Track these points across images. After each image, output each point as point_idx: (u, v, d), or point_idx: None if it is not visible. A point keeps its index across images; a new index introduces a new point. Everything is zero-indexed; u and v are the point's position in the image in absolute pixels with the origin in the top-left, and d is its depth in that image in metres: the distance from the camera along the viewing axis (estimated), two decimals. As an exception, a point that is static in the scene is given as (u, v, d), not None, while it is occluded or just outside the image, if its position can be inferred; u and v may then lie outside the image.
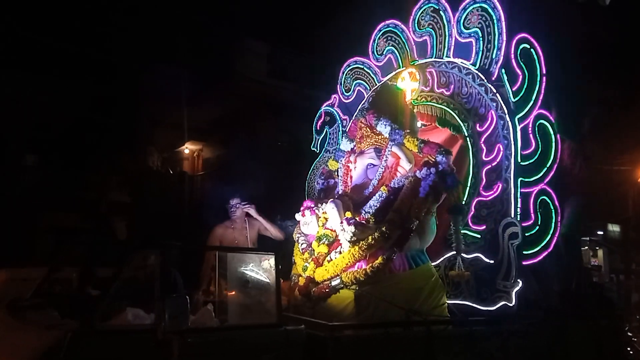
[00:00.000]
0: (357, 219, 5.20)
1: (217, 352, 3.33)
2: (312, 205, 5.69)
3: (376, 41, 6.80)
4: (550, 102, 5.33)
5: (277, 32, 11.06)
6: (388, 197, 5.21)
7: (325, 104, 7.44)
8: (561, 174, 5.37)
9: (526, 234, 4.94)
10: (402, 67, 6.39)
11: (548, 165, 5.00)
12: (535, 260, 4.96)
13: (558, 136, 5.04)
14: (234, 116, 10.49)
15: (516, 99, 5.15)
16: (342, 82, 7.24)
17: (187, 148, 12.42)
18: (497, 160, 5.15)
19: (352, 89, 7.09)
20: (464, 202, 5.36)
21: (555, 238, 4.95)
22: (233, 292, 3.85)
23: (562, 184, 5.34)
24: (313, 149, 7.42)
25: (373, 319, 4.64)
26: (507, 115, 5.11)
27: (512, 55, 5.15)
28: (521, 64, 5.16)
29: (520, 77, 5.16)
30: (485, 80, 5.35)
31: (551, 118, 5.09)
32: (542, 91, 5.11)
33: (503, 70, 5.23)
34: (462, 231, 5.29)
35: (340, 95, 7.27)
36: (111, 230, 9.51)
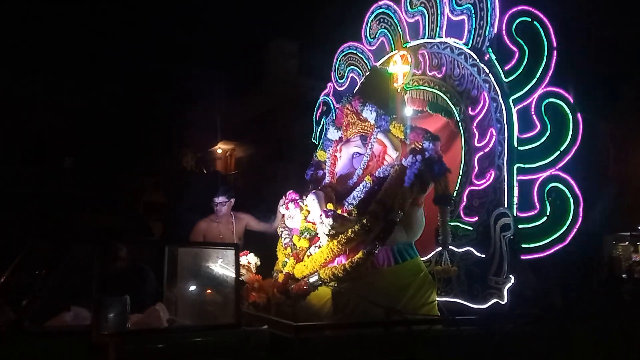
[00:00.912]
0: (340, 211, 4.88)
1: (162, 356, 3.06)
2: (297, 198, 5.39)
3: (369, 24, 6.43)
4: (566, 79, 4.89)
5: (307, 32, 10.97)
6: (372, 188, 4.86)
7: (322, 93, 7.12)
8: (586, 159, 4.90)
9: (530, 225, 4.52)
10: (395, 50, 6.00)
11: (562, 149, 4.50)
12: (542, 255, 4.52)
13: (579, 115, 4.55)
14: (265, 116, 10.45)
15: (510, 78, 4.71)
16: (336, 70, 6.90)
17: (220, 148, 12.61)
18: (490, 146, 4.73)
19: (345, 76, 6.75)
20: (455, 192, 4.96)
21: (575, 230, 4.48)
22: (185, 290, 3.57)
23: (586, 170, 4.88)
24: (313, 140, 7.11)
25: (352, 319, 4.31)
26: (499, 97, 4.68)
27: (505, 32, 4.72)
28: (518, 39, 4.72)
29: (517, 54, 4.72)
30: (478, 60, 4.93)
31: (567, 95, 4.61)
32: (551, 66, 4.63)
33: (490, 49, 4.80)
34: (453, 223, 4.91)
35: (335, 83, 6.93)
36: (149, 230, 9.51)
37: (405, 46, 5.86)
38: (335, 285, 4.45)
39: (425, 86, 5.47)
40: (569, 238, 4.44)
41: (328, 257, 4.54)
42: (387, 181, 4.77)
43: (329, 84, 7.00)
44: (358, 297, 4.29)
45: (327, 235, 4.55)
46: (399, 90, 5.71)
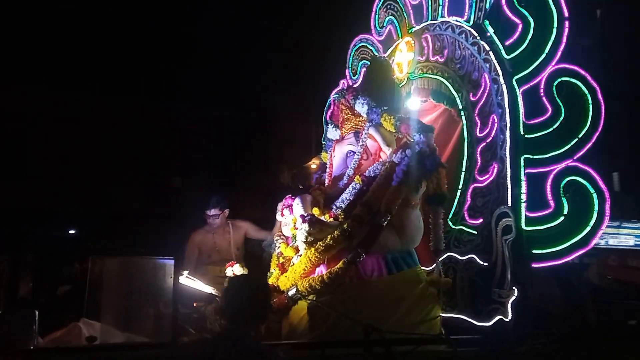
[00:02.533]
0: (327, 215, 4.40)
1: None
2: (292, 204, 4.95)
3: (377, 13, 5.88)
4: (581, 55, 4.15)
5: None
6: (361, 189, 4.34)
7: (333, 92, 6.65)
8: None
9: (542, 227, 3.79)
10: (401, 37, 5.44)
11: (581, 136, 3.79)
12: (558, 262, 3.77)
13: (600, 96, 3.80)
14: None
15: (512, 55, 4.02)
16: (350, 65, 6.40)
17: (314, 163, 12.73)
18: (492, 135, 4.04)
19: (358, 72, 6.23)
20: (458, 191, 4.31)
21: (601, 231, 3.72)
22: (116, 305, 3.25)
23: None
24: (323, 142, 6.66)
25: (330, 336, 3.78)
26: (500, 77, 4.00)
27: (504, 1, 4.04)
28: (520, 9, 4.02)
29: (520, 26, 4.02)
30: (479, 37, 4.27)
31: (584, 73, 3.88)
32: (563, 40, 3.91)
33: (487, 22, 4.13)
34: (458, 227, 4.26)
35: (349, 80, 6.43)
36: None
37: (411, 32, 5.28)
38: (314, 298, 3.96)
39: (429, 73, 4.86)
40: (594, 241, 3.66)
41: (307, 267, 4.07)
42: (375, 181, 4.24)
43: (342, 81, 6.51)
44: (334, 312, 3.77)
45: (304, 242, 4.08)
46: (404, 80, 5.16)
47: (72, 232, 9.13)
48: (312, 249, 4.02)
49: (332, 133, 5.14)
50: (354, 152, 4.66)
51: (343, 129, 4.92)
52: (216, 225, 5.49)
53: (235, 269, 4.66)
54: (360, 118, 4.71)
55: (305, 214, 4.16)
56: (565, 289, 4.18)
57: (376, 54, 5.94)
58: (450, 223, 4.34)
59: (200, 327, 3.83)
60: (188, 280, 4.06)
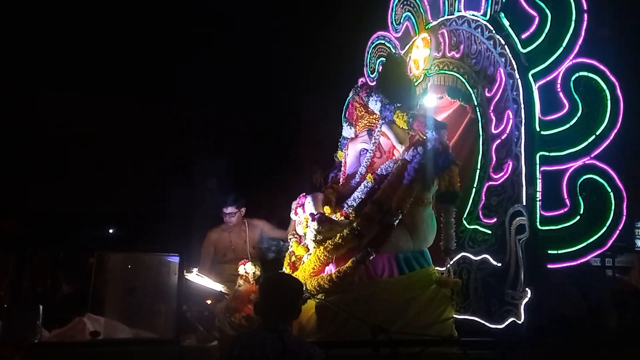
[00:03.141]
0: (339, 214, 4.35)
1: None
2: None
3: (394, 9, 5.80)
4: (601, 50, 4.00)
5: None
6: (373, 187, 4.27)
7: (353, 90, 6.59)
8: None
9: (558, 227, 3.67)
10: (418, 33, 5.35)
11: (599, 133, 3.69)
12: (574, 263, 3.65)
13: (619, 92, 3.69)
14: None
15: (528, 48, 3.89)
16: (367, 64, 6.33)
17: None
18: (507, 131, 3.93)
19: (376, 70, 6.16)
20: (474, 189, 4.20)
21: (618, 232, 3.61)
22: (121, 301, 3.26)
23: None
24: (339, 141, 6.60)
25: (338, 337, 3.73)
26: (516, 72, 3.87)
27: (520, -8, 3.92)
28: (538, 2, 3.89)
29: (537, 19, 3.90)
30: (494, 32, 4.15)
31: (603, 68, 3.76)
32: (581, 33, 3.79)
33: (502, 14, 4.01)
34: (472, 227, 4.16)
35: (367, 79, 6.36)
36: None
37: (427, 28, 5.18)
38: (322, 298, 3.91)
39: (445, 70, 4.76)
40: (611, 242, 3.52)
41: (316, 266, 4.02)
42: (387, 179, 4.16)
43: (360, 80, 6.44)
44: (343, 311, 3.71)
45: (313, 241, 4.04)
46: (420, 77, 5.07)
47: (110, 231, 9.33)
48: (321, 248, 3.97)
49: (347, 131, 5.08)
50: (367, 150, 4.59)
51: (357, 126, 4.85)
52: (232, 223, 5.49)
53: (247, 267, 4.63)
54: (374, 116, 4.64)
55: (315, 213, 4.11)
56: (584, 292, 4.02)
57: (393, 51, 5.86)
58: (464, 222, 4.24)
59: (210, 325, 3.82)
60: (197, 278, 4.07)
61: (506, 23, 3.99)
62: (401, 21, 5.70)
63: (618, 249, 6.65)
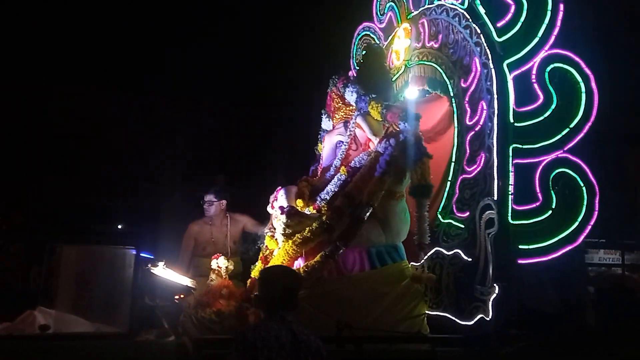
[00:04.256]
0: (312, 207, 4.26)
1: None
2: (283, 195, 4.83)
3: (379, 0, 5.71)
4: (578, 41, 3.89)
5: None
6: (346, 180, 4.18)
7: (338, 83, 6.49)
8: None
9: (530, 221, 3.57)
10: (400, 24, 5.23)
11: (572, 126, 3.59)
12: (545, 258, 3.55)
13: (593, 84, 3.60)
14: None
15: (504, 37, 3.77)
16: (354, 55, 6.23)
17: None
18: (481, 123, 3.82)
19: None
20: (449, 181, 4.09)
21: (589, 227, 3.51)
22: (75, 293, 3.20)
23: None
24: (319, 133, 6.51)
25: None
26: (490, 61, 3.76)
27: (494, -22, 3.80)
28: (513, -13, 3.78)
29: (513, 7, 3.78)
30: (471, 20, 4.03)
31: (577, 59, 3.65)
32: (557, 24, 3.69)
33: (477, 1, 3.89)
34: (446, 220, 4.05)
35: (354, 71, 6.25)
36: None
37: (409, 18, 5.07)
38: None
39: (425, 60, 4.65)
40: (582, 238, 3.42)
41: (284, 260, 3.94)
42: (359, 172, 4.07)
43: (351, 73, 6.34)
44: (308, 307, 3.63)
45: (282, 234, 3.96)
46: (401, 68, 4.96)
47: (119, 227, 9.30)
48: (290, 242, 3.89)
49: (325, 123, 4.99)
50: (343, 143, 4.49)
51: (334, 118, 4.76)
52: (210, 213, 5.42)
53: (220, 262, 4.57)
54: (351, 107, 4.55)
55: (284, 206, 4.03)
56: (563, 289, 3.91)
57: (378, 42, 5.75)
58: (439, 216, 4.14)
59: (175, 320, 3.76)
60: (164, 272, 4.01)
61: (482, 10, 3.87)
62: (385, 11, 5.59)
63: (627, 247, 6.54)
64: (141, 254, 3.93)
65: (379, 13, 5.72)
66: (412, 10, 5.05)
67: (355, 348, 3.27)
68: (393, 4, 5.42)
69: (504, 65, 3.72)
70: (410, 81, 4.86)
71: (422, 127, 4.67)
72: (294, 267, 3.93)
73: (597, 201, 3.44)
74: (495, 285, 3.34)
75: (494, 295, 3.34)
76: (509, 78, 3.70)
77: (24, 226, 7.15)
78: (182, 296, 4.31)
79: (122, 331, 2.93)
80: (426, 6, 4.80)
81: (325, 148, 4.68)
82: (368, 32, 5.92)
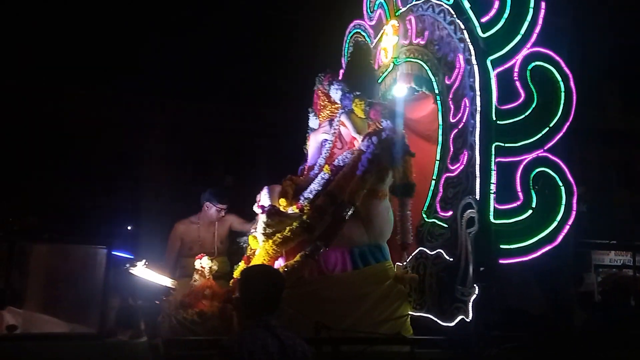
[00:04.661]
0: (295, 206, 4.21)
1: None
2: (269, 195, 4.77)
3: (369, -4, 5.64)
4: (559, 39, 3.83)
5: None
6: (329, 179, 4.12)
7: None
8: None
9: (510, 220, 3.50)
10: (389, 21, 5.16)
11: (552, 125, 3.53)
12: (525, 258, 3.47)
13: (572, 84, 3.54)
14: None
15: (488, 33, 3.70)
16: (345, 54, 6.16)
17: None
18: (464, 120, 3.74)
19: (353, 59, 5.99)
20: (433, 180, 4.02)
21: (567, 227, 3.45)
22: (44, 293, 3.16)
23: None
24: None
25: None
26: (473, 57, 3.68)
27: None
28: (497, -15, 3.71)
29: (497, 3, 3.70)
30: (456, 16, 3.96)
31: (557, 58, 3.60)
32: (538, 22, 3.63)
33: (461, -6, 3.82)
34: (431, 220, 3.97)
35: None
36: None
37: (397, 15, 4.99)
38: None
39: (412, 57, 4.58)
40: (560, 237, 3.35)
41: (265, 260, 3.88)
42: (342, 170, 4.01)
43: (341, 71, 6.28)
44: (286, 308, 3.56)
45: (262, 234, 3.90)
46: (390, 66, 4.89)
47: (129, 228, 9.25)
48: (270, 241, 3.84)
49: (312, 122, 4.93)
50: (328, 141, 4.44)
51: (320, 117, 4.71)
52: (214, 218, 5.32)
53: (203, 262, 4.51)
54: (336, 105, 4.50)
55: (265, 205, 3.98)
56: (550, 290, 3.83)
57: (368, 40, 5.69)
58: (424, 216, 4.06)
59: (153, 321, 3.71)
60: (144, 272, 3.96)
61: (467, 5, 3.80)
62: (375, 9, 5.52)
63: (639, 248, 6.43)
64: (119, 254, 3.90)
65: (369, 10, 5.65)
66: (400, 7, 4.97)
67: (332, 349, 3.22)
68: (382, 1, 5.35)
69: (488, 61, 3.65)
70: (398, 79, 4.79)
71: (419, 125, 4.66)
72: (275, 268, 3.88)
73: (575, 201, 3.39)
74: (475, 285, 3.26)
75: (474, 295, 3.26)
76: (492, 75, 3.63)
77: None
78: (165, 298, 4.26)
79: (93, 332, 2.88)
80: (413, 2, 4.72)
81: (311, 147, 4.63)
82: (359, 30, 5.85)
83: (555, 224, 3.36)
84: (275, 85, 8.63)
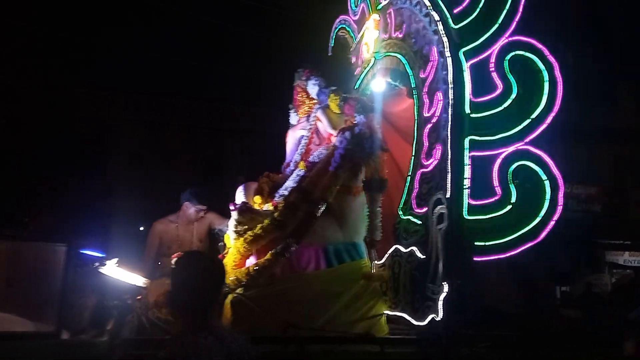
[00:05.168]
0: (270, 204, 4.13)
1: None
2: (247, 192, 4.70)
3: (352, -9, 5.55)
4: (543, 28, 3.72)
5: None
6: (304, 175, 4.04)
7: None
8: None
9: (487, 217, 3.39)
10: (371, 15, 5.07)
11: (535, 116, 3.41)
12: (504, 255, 3.36)
13: (557, 73, 3.43)
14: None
15: (461, 24, 3.60)
16: (331, 50, 6.09)
17: None
18: (437, 114, 3.64)
19: (338, 55, 5.91)
20: (409, 176, 3.92)
21: (553, 223, 3.32)
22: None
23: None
24: None
25: (254, 333, 3.49)
26: (446, 49, 3.58)
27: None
28: (471, -26, 3.61)
29: (472, -8, 3.61)
30: (430, 7, 3.86)
31: (540, 47, 3.48)
32: (519, 10, 3.52)
33: (431, -17, 3.73)
34: (406, 217, 3.88)
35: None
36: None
37: (379, 8, 4.91)
38: (242, 292, 3.69)
39: (391, 51, 4.49)
40: (544, 234, 3.23)
41: (236, 258, 3.81)
42: (315, 166, 3.93)
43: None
44: (254, 307, 3.49)
45: (234, 232, 3.82)
46: (371, 61, 4.81)
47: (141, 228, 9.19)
48: (241, 239, 3.76)
49: (293, 118, 4.86)
50: (305, 137, 4.36)
51: (299, 112, 4.63)
52: (192, 218, 5.25)
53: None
54: (314, 101, 4.42)
55: (236, 202, 3.90)
56: (527, 290, 3.73)
57: (352, 35, 5.61)
58: (400, 213, 3.97)
59: (123, 320, 3.64)
60: (113, 270, 3.89)
61: (435, -7, 3.70)
62: (359, 3, 5.44)
63: None
64: (88, 252, 3.83)
65: (352, 5, 5.57)
66: (381, 1, 4.88)
67: (297, 349, 3.13)
68: (365, -6, 5.27)
69: (460, 53, 3.55)
70: (377, 73, 4.70)
71: (401, 121, 4.57)
72: (246, 266, 3.81)
73: (561, 195, 3.24)
74: (443, 283, 3.17)
75: (444, 294, 3.16)
76: (465, 67, 3.53)
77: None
78: (139, 297, 4.20)
79: (49, 330, 2.81)
80: (393, -5, 4.63)
81: (289, 143, 4.55)
82: (344, 25, 5.78)
83: (538, 219, 3.21)
84: (259, 83, 8.57)
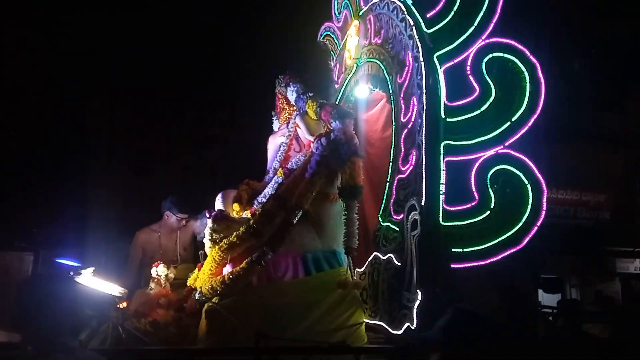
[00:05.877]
0: (249, 211, 4.09)
1: None
2: (229, 200, 4.66)
3: (336, -2, 5.55)
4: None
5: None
6: (282, 183, 4.00)
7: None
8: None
9: (464, 222, 3.33)
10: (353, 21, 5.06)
11: (515, 119, 3.36)
12: (483, 262, 3.30)
13: (540, 73, 3.37)
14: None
15: (433, 29, 3.57)
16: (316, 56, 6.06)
17: None
18: (412, 120, 3.60)
19: (324, 62, 5.88)
20: (387, 182, 3.87)
21: (536, 228, 3.26)
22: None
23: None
24: None
25: (228, 343, 3.45)
26: (420, 54, 3.55)
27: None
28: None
29: (445, -4, 3.58)
30: (406, 12, 3.83)
31: (520, 47, 3.44)
32: (497, 11, 3.47)
33: (402, -13, 3.70)
34: (385, 224, 3.83)
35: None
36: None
37: (360, 15, 4.89)
38: (217, 301, 3.64)
39: (371, 57, 4.46)
40: (527, 239, 3.17)
41: (212, 266, 3.76)
42: (293, 173, 3.89)
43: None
44: (228, 315, 3.44)
45: (210, 240, 3.78)
46: (353, 67, 4.78)
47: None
48: (217, 247, 3.71)
49: (275, 125, 4.82)
50: (283, 144, 4.32)
51: (280, 119, 4.60)
52: (174, 227, 5.20)
53: (159, 270, 4.41)
54: (293, 107, 4.38)
55: (212, 210, 3.86)
56: (508, 298, 3.65)
57: (337, 42, 5.60)
58: (380, 220, 3.92)
59: (98, 330, 3.60)
60: (89, 280, 3.85)
61: (409, 0, 3.67)
62: (341, 10, 5.44)
63: None
64: (64, 261, 3.80)
65: (336, 12, 5.57)
66: (362, 7, 4.87)
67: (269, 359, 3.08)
68: (347, 1, 5.26)
69: (434, 57, 3.50)
70: (359, 80, 4.68)
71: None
72: (222, 274, 3.76)
73: (544, 200, 3.18)
74: (418, 291, 3.11)
75: (418, 302, 3.10)
76: (440, 71, 3.48)
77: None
78: (118, 307, 4.15)
79: (16, 340, 2.77)
80: (373, 1, 4.62)
81: (270, 150, 4.51)
82: (329, 33, 5.77)
83: (520, 224, 3.15)
84: (244, 89, 8.52)
